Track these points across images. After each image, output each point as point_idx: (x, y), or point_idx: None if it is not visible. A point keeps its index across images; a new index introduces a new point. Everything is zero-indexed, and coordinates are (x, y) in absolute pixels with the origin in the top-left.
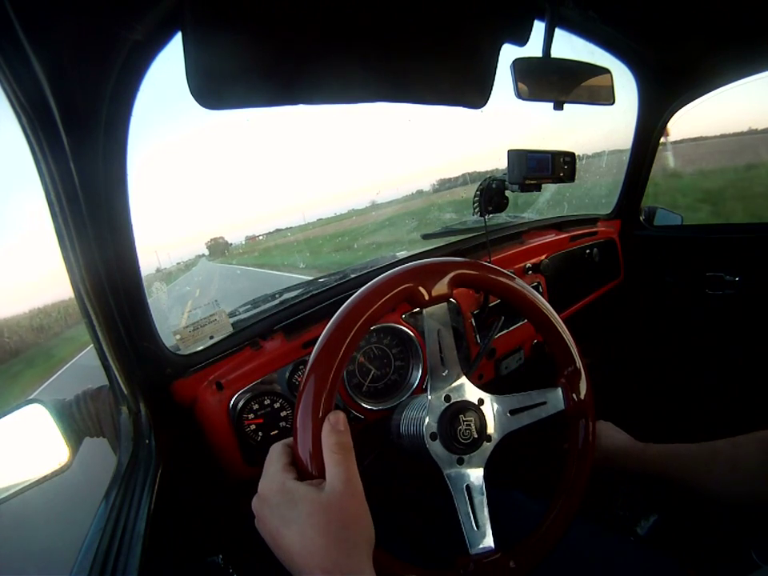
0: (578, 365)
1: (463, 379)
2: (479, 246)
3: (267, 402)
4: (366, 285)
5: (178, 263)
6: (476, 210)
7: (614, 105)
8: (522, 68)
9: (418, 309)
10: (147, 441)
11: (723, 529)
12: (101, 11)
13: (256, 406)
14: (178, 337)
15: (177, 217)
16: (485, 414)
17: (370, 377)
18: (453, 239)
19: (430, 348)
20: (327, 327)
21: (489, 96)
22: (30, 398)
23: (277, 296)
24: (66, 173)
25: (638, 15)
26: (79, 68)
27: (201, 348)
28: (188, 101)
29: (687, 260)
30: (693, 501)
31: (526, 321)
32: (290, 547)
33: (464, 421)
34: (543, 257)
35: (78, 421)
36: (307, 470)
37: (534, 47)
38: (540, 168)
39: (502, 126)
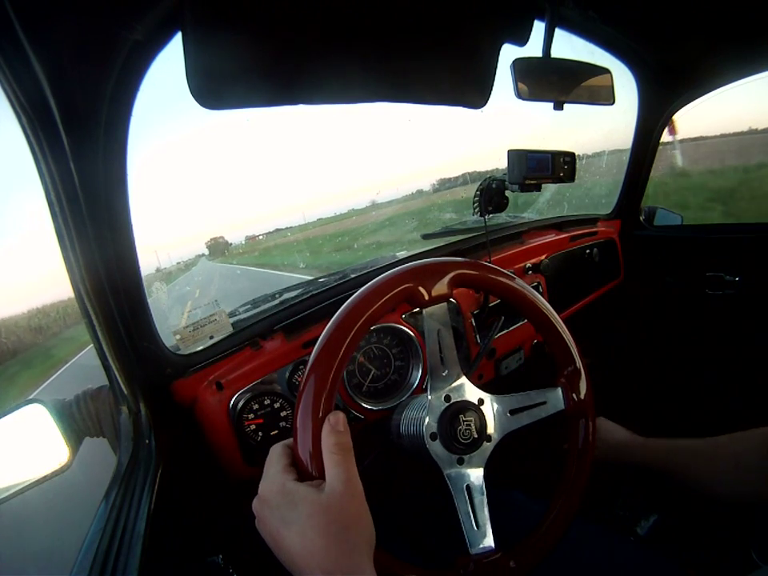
0: (577, 365)
1: (463, 379)
2: (479, 246)
3: (267, 402)
4: (366, 285)
5: (177, 263)
6: (476, 210)
7: (614, 105)
8: (521, 68)
9: (417, 309)
10: (147, 441)
11: (723, 529)
12: (101, 11)
13: (256, 406)
14: (177, 337)
15: (177, 217)
16: (485, 413)
17: (370, 377)
18: (453, 239)
19: (429, 348)
20: (327, 327)
21: (489, 96)
22: (30, 398)
23: (277, 296)
24: (65, 173)
25: (637, 15)
26: (79, 68)
27: (201, 348)
28: (188, 101)
29: (687, 260)
30: (693, 501)
31: (525, 321)
32: (290, 548)
33: (464, 421)
34: (543, 257)
35: (78, 421)
36: (307, 471)
37: (534, 47)
38: (540, 168)
39: (502, 125)
